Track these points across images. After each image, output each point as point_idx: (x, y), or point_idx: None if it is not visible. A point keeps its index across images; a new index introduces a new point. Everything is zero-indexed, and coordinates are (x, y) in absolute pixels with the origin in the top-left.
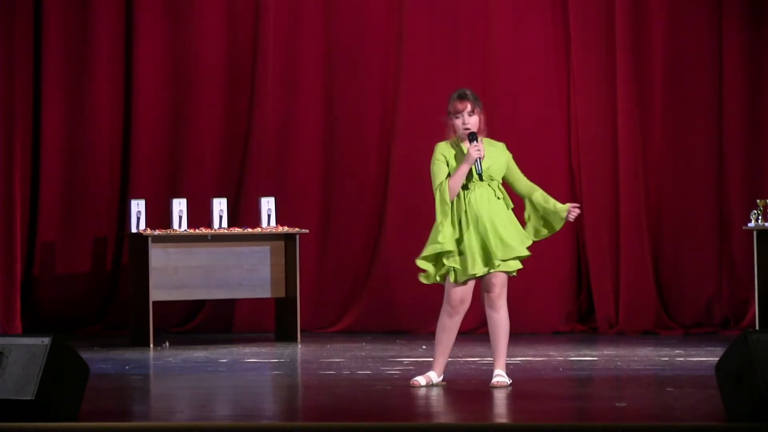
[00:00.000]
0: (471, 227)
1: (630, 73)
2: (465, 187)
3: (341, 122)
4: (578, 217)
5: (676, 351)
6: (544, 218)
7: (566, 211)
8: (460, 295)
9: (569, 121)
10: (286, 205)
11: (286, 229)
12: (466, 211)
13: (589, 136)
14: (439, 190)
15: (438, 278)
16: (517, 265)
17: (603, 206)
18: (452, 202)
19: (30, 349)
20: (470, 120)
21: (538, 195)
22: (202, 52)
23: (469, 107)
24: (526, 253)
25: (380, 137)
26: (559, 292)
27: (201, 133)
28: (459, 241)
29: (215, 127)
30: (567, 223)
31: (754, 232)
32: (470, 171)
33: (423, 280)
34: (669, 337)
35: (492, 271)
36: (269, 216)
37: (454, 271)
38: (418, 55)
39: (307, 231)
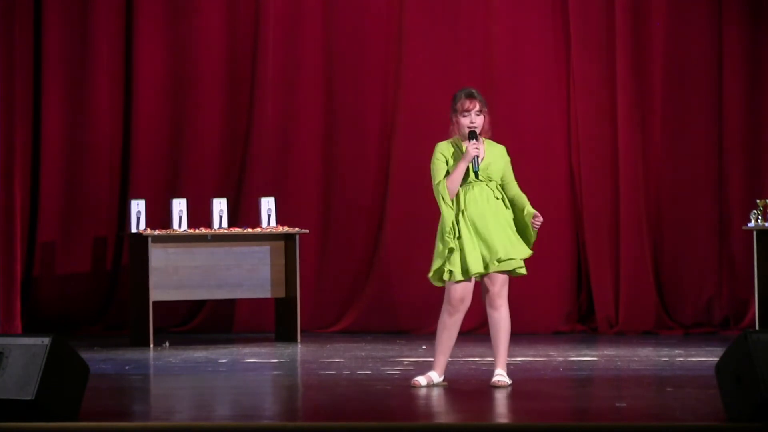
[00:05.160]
0: (468, 226)
1: (630, 73)
2: (464, 185)
3: (341, 122)
4: (578, 217)
5: (676, 351)
6: (522, 230)
7: (531, 216)
8: (460, 294)
9: (569, 121)
10: (286, 205)
11: (286, 229)
12: (463, 210)
13: (589, 136)
14: (438, 189)
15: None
16: (517, 264)
17: (603, 206)
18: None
19: (30, 349)
20: (477, 120)
21: (526, 208)
22: (202, 52)
23: (477, 107)
24: (526, 254)
25: (380, 137)
26: (559, 292)
27: (201, 133)
28: (457, 239)
29: (215, 127)
30: (567, 223)
31: (754, 232)
32: (468, 169)
33: (434, 281)
34: (669, 337)
35: (489, 271)
36: (269, 216)
37: (451, 270)
38: (418, 55)
39: (307, 231)
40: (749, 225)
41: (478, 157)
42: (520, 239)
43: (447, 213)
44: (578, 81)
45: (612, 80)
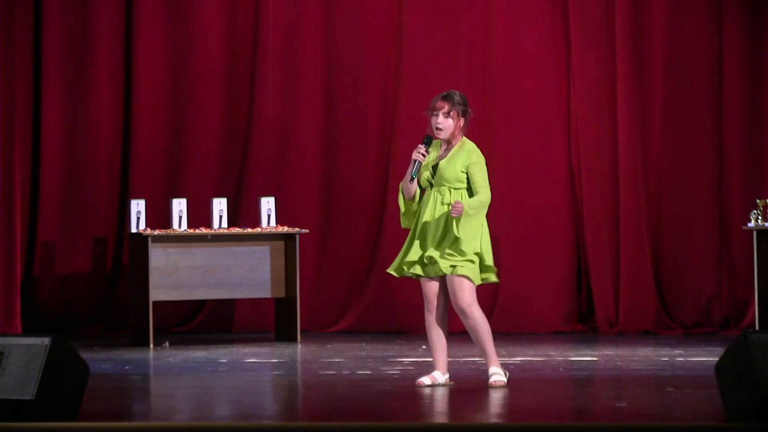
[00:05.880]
0: (420, 228)
1: (630, 73)
2: (423, 189)
3: (341, 122)
4: (578, 217)
5: (676, 351)
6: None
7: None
8: (433, 291)
9: (569, 121)
10: (286, 205)
11: (286, 229)
12: (417, 212)
13: (589, 136)
14: None
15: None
16: (448, 270)
17: (603, 206)
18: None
19: (30, 349)
20: (444, 121)
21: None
22: (202, 52)
23: (446, 108)
24: (457, 260)
25: (380, 137)
26: (559, 292)
27: (201, 133)
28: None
29: (215, 127)
30: (567, 223)
31: (754, 232)
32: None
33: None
34: (669, 337)
35: (429, 275)
36: (269, 216)
37: (414, 269)
38: (418, 55)
39: (307, 231)
40: (749, 225)
41: (416, 161)
42: (459, 247)
43: (403, 214)
44: (578, 81)
45: (612, 80)
